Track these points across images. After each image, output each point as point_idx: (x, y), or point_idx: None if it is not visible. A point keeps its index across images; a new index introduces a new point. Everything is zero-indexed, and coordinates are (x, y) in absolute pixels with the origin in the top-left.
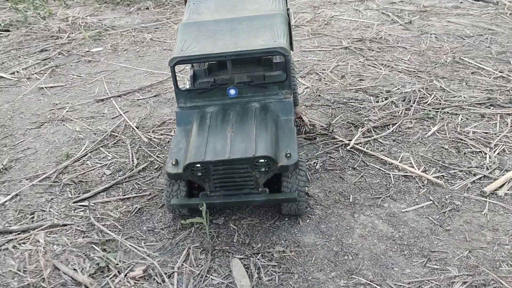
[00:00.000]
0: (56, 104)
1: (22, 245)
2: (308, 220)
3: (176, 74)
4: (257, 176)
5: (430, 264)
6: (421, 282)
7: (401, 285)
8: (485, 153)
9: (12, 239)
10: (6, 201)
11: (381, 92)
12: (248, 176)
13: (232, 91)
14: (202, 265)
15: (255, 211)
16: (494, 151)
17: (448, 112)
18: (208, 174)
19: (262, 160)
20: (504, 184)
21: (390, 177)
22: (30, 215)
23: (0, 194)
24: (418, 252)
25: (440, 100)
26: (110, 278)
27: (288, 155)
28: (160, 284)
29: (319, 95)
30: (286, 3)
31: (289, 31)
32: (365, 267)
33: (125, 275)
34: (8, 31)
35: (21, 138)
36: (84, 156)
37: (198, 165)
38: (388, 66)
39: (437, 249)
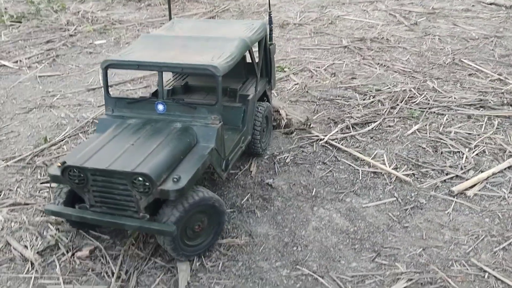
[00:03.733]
0: (49, 91)
1: None
2: (266, 211)
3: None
4: (137, 197)
5: (379, 259)
6: (365, 276)
7: (343, 278)
8: (463, 153)
9: None
10: None
11: (370, 91)
12: (129, 195)
13: (160, 107)
14: (149, 249)
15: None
16: (473, 152)
17: (434, 112)
18: (86, 183)
19: (141, 179)
20: (475, 184)
21: (359, 173)
22: None
23: None
24: (369, 247)
25: (429, 100)
26: (57, 256)
27: (175, 179)
28: (104, 264)
29: (307, 92)
30: (268, 37)
31: (266, 64)
32: (312, 259)
33: (73, 254)
34: (20, 22)
35: (8, 122)
36: (62, 140)
37: (76, 170)
38: (384, 65)
39: (389, 245)
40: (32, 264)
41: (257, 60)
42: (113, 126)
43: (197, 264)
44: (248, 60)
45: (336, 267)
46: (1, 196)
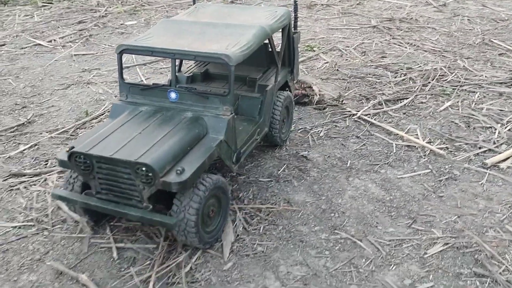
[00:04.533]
0: (85, 69)
1: (33, 186)
2: (302, 181)
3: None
4: (141, 187)
5: (415, 226)
6: (402, 240)
7: (381, 242)
8: (495, 129)
9: (25, 181)
10: (25, 149)
11: (401, 69)
12: (133, 184)
13: (173, 95)
14: None
15: (251, 169)
16: (506, 127)
17: (466, 89)
18: (92, 170)
19: (143, 169)
20: (508, 158)
21: (393, 146)
22: (44, 162)
23: (20, 144)
24: (406, 214)
25: (460, 79)
26: (107, 219)
27: (179, 171)
28: (152, 227)
29: (337, 70)
30: (293, 26)
31: (289, 53)
32: (349, 224)
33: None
34: (51, 3)
35: (47, 97)
36: (102, 114)
37: (82, 157)
38: (414, 45)
39: (425, 213)
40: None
41: (279, 49)
42: (125, 112)
43: (240, 228)
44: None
45: (373, 232)
46: (48, 164)
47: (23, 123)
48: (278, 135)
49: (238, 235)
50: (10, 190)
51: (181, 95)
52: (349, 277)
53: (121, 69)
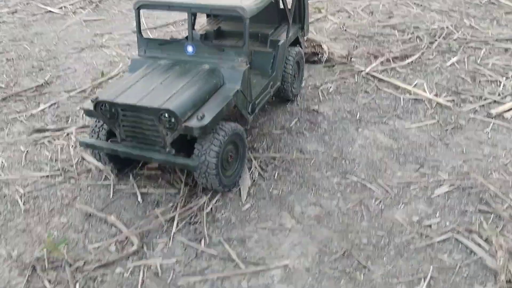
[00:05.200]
0: (97, 34)
1: (56, 140)
2: (313, 132)
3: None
4: (164, 133)
5: (422, 170)
6: (410, 182)
7: (389, 184)
8: (500, 82)
9: (48, 136)
10: (45, 108)
11: (408, 28)
12: (156, 131)
13: (190, 48)
14: None
15: (265, 123)
16: (511, 81)
17: (472, 46)
18: (117, 118)
19: (167, 115)
20: (511, 109)
21: (400, 99)
22: (65, 118)
23: (41, 103)
24: (413, 160)
25: (466, 36)
26: (129, 168)
27: (200, 117)
28: (173, 174)
29: (345, 30)
30: None
31: (299, 9)
32: (360, 170)
33: (143, 166)
34: None
35: (63, 60)
36: (117, 75)
37: (107, 105)
38: (421, 5)
39: (432, 159)
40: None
41: (290, 6)
42: (144, 66)
43: (256, 174)
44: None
45: (382, 176)
46: (69, 121)
47: (42, 84)
48: (290, 89)
49: (254, 181)
50: (35, 144)
51: (197, 48)
52: (360, 215)
53: (139, 24)
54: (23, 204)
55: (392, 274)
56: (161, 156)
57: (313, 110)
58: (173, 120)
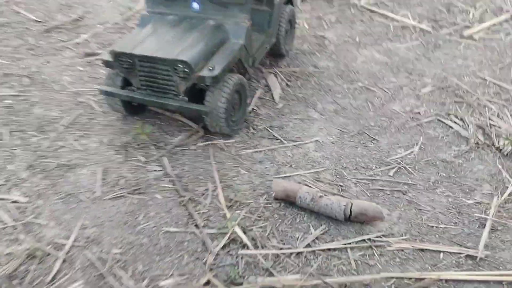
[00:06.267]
0: None
1: None
2: (323, 53)
3: None
4: (178, 82)
5: (411, 77)
6: (402, 85)
7: (387, 87)
8: (469, 11)
9: (99, 58)
10: (87, 37)
11: None
12: (170, 80)
13: (195, 5)
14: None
15: None
16: (478, 10)
17: None
18: (134, 68)
19: (181, 65)
20: (480, 30)
21: (390, 27)
22: (108, 45)
23: (81, 34)
24: (404, 71)
25: None
26: None
27: (211, 68)
28: None
29: None
30: None
31: None
32: (363, 78)
33: None
34: None
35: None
36: (142, 9)
37: (125, 56)
38: None
39: (418, 69)
40: None
41: None
42: (153, 20)
43: (283, 84)
44: None
45: (381, 82)
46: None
47: (77, 18)
48: (283, 46)
49: (282, 88)
50: (91, 65)
51: (202, 5)
52: (367, 109)
53: None
54: (99, 107)
55: (394, 142)
56: (176, 103)
57: (320, 36)
58: (187, 70)
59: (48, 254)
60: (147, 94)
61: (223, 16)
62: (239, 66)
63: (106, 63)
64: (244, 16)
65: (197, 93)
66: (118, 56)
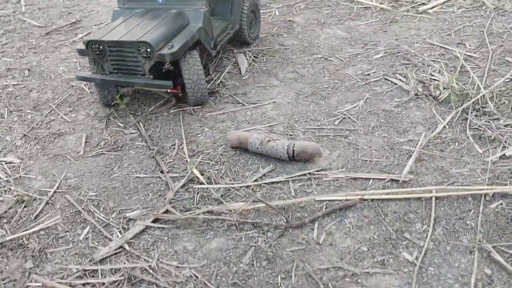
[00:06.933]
0: None
1: None
2: (290, 33)
3: None
4: (143, 62)
5: (367, 47)
6: (357, 54)
7: (343, 57)
8: None
9: None
10: (83, 36)
11: None
12: (136, 61)
13: None
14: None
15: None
16: None
17: None
18: (104, 54)
19: (143, 46)
20: (434, 7)
21: (354, 8)
22: None
23: (78, 34)
24: (361, 43)
25: None
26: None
27: (170, 46)
28: None
29: None
30: None
31: None
32: (323, 51)
33: None
34: None
35: (85, 5)
36: None
37: (96, 44)
38: None
39: (374, 40)
40: None
41: None
42: (123, 14)
43: (250, 60)
44: None
45: (338, 53)
46: None
47: (74, 22)
48: (247, 34)
49: (249, 62)
50: (84, 57)
51: None
52: (323, 75)
53: None
54: (88, 89)
55: (343, 100)
56: (143, 80)
57: (289, 20)
58: (148, 50)
59: (34, 199)
60: (118, 76)
61: (184, 5)
62: (202, 48)
63: (80, 51)
64: (202, 3)
65: (165, 74)
66: (89, 44)
